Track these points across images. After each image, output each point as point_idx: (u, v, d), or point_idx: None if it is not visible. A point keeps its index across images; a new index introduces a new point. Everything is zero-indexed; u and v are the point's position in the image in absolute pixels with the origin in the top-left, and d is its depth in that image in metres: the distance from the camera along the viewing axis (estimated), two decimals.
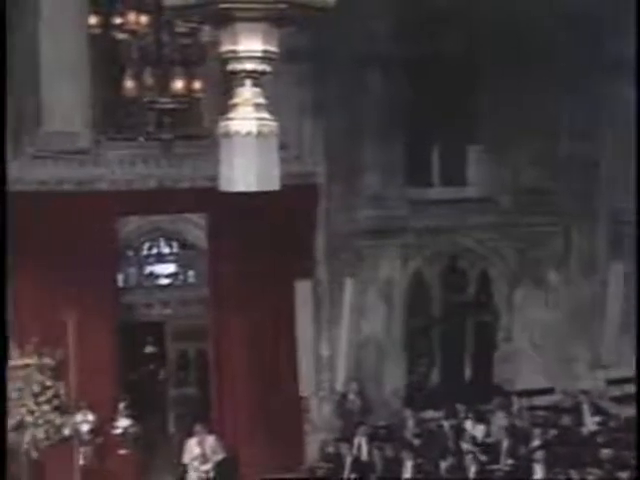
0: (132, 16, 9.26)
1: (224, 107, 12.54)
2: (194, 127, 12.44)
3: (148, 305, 13.52)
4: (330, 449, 12.47)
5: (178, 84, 9.57)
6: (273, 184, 4.37)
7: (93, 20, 10.22)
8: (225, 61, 4.48)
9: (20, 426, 11.99)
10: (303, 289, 12.82)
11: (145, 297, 13.43)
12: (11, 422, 11.95)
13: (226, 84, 12.09)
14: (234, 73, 4.42)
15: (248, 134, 4.29)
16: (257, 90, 4.39)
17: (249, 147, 4.29)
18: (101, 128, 12.46)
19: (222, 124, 4.40)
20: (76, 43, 11.96)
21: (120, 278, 13.04)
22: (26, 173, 12.00)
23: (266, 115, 4.37)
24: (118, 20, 9.55)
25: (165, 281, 13.58)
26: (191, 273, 13.54)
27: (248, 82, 4.38)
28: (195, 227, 12.90)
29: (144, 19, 9.26)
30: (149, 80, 9.68)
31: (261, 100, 4.38)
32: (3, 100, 10.97)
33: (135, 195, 12.08)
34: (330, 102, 12.56)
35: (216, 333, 12.91)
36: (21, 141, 12.17)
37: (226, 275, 12.58)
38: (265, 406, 12.66)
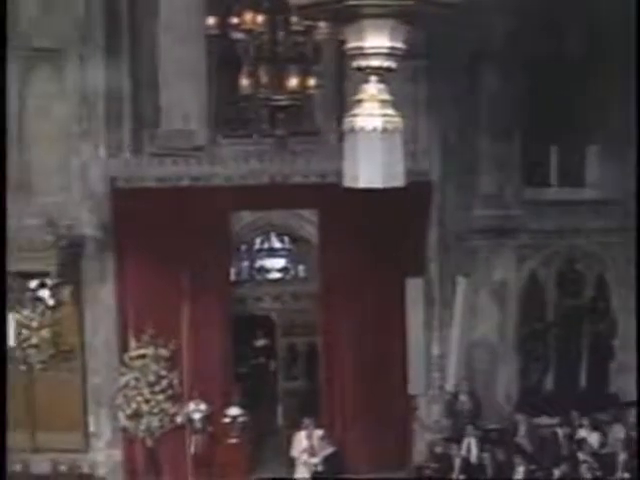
0: (249, 16, 9.44)
1: (337, 104, 12.68)
2: (307, 124, 12.61)
3: (259, 299, 13.75)
4: (438, 449, 12.38)
5: (293, 81, 9.71)
6: (397, 181, 4.37)
7: (211, 21, 10.47)
8: (351, 58, 4.50)
9: (136, 414, 12.43)
10: (414, 287, 12.75)
11: (256, 291, 13.67)
12: (127, 411, 12.43)
13: (339, 81, 12.20)
14: (360, 69, 4.44)
15: (373, 130, 4.29)
16: (382, 86, 4.40)
17: (374, 143, 4.29)
18: (217, 126, 12.75)
19: (347, 120, 4.42)
20: (194, 43, 12.28)
21: (232, 272, 13.28)
22: (145, 170, 12.41)
23: (391, 111, 4.37)
24: (235, 20, 9.74)
25: (276, 275, 13.79)
26: (301, 268, 13.71)
27: (373, 78, 4.39)
28: (307, 222, 13.02)
29: (260, 18, 9.42)
30: (264, 78, 9.86)
31: (386, 96, 4.39)
32: (3, 100, 11.31)
33: (249, 191, 12.30)
34: (445, 99, 12.43)
35: (326, 328, 13.01)
36: (140, 140, 12.60)
37: (337, 270, 12.64)
38: (373, 402, 12.66)
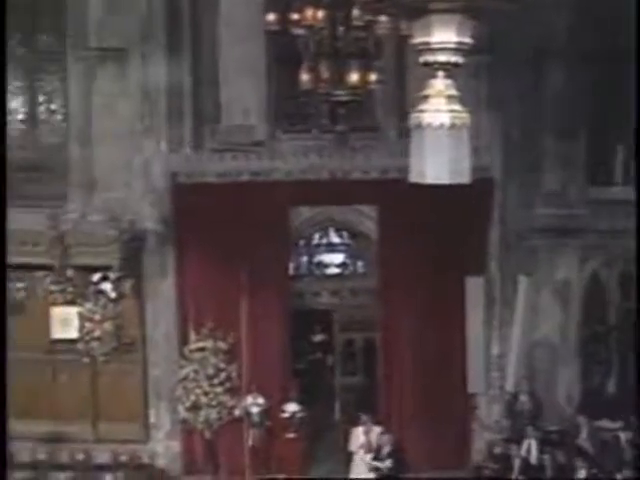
0: (309, 12, 9.46)
1: (397, 100, 12.58)
2: (367, 119, 12.58)
3: (317, 294, 13.79)
4: (498, 449, 12.23)
5: (353, 77, 9.70)
6: (464, 177, 4.34)
7: (271, 17, 10.52)
8: (417, 53, 4.48)
9: (195, 407, 12.57)
10: (475, 285, 12.62)
11: (314, 286, 13.71)
12: (186, 403, 12.58)
13: (400, 77, 12.12)
14: (426, 65, 4.41)
15: (440, 126, 4.27)
16: (449, 82, 4.38)
17: (441, 139, 4.27)
18: (276, 121, 12.81)
19: (414, 116, 4.40)
20: (254, 40, 12.36)
21: (291, 266, 13.34)
22: (205, 166, 12.53)
23: (458, 107, 4.34)
24: (295, 16, 9.78)
25: (334, 270, 13.80)
26: (360, 263, 13.69)
27: (440, 74, 4.37)
28: (366, 218, 12.99)
29: (321, 14, 9.44)
30: (325, 73, 9.87)
31: (454, 92, 4.36)
32: (3, 98, 11.42)
33: (308, 186, 12.33)
34: (507, 96, 12.26)
35: (385, 324, 12.97)
36: (201, 135, 12.73)
37: (396, 266, 12.59)
38: (432, 400, 12.57)
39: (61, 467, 12.78)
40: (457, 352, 12.70)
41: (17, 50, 13.14)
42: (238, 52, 12.53)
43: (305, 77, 9.99)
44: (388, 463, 11.95)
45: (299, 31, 9.88)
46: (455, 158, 4.28)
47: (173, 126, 12.60)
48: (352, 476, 12.35)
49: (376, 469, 11.96)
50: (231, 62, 12.62)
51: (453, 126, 4.29)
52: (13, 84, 13.20)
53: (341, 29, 9.65)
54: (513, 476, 11.63)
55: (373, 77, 9.99)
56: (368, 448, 12.18)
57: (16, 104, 13.25)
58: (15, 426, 13.00)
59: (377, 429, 12.27)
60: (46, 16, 13.06)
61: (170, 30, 12.48)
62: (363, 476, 12.14)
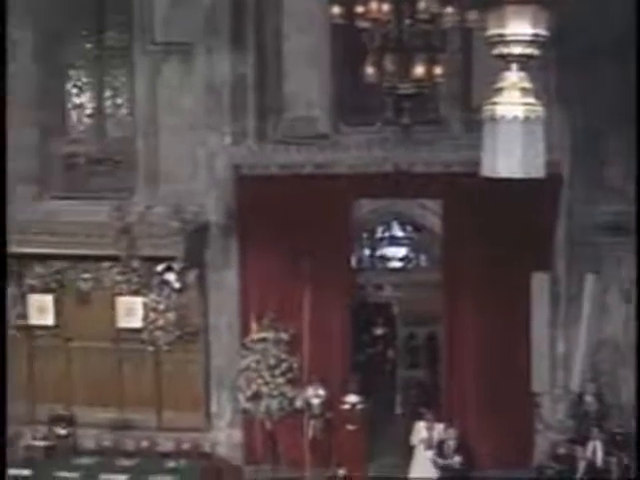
0: (374, 5, 9.44)
1: (462, 94, 12.43)
2: (431, 113, 12.48)
3: (379, 287, 13.77)
4: (562, 450, 12.00)
5: (419, 70, 9.64)
6: (538, 172, 4.29)
7: (336, 10, 10.52)
8: (491, 45, 4.43)
9: (256, 396, 12.68)
10: (540, 282, 12.37)
11: (377, 279, 13.69)
12: (248, 392, 12.71)
13: (466, 70, 11.96)
14: (500, 57, 4.37)
15: (514, 119, 4.23)
16: (523, 74, 4.34)
17: (514, 133, 4.23)
18: (340, 114, 12.80)
19: (486, 108, 4.36)
20: (318, 32, 12.37)
21: (353, 259, 13.31)
22: (269, 158, 12.60)
23: (533, 100, 4.29)
24: (360, 9, 9.76)
25: (397, 264, 13.76)
26: (423, 257, 13.62)
27: (514, 66, 4.33)
28: (430, 212, 12.89)
29: (386, 7, 9.41)
30: (390, 66, 9.84)
31: (528, 84, 4.32)
32: (3, 95, 11.46)
33: (371, 179, 12.27)
34: (573, 89, 12.00)
35: (448, 319, 12.83)
36: (265, 128, 12.81)
37: (460, 261, 12.45)
38: (494, 397, 12.39)
39: (126, 454, 13.02)
40: (521, 349, 12.47)
41: (85, 47, 13.42)
42: (302, 45, 12.55)
43: (370, 70, 9.97)
44: (455, 459, 11.90)
45: (364, 24, 9.87)
46: (529, 152, 4.24)
47: (237, 119, 12.69)
48: (412, 471, 12.30)
49: (442, 466, 11.89)
50: (295, 55, 12.64)
51: (527, 119, 4.25)
52: (81, 80, 13.49)
53: (407, 22, 9.60)
54: (578, 477, 11.42)
55: (438, 70, 9.92)
56: (429, 444, 12.12)
57: (84, 99, 13.53)
58: (81, 413, 13.40)
59: (440, 425, 12.17)
60: (113, 13, 13.29)
61: (234, 23, 12.57)
62: (424, 471, 12.08)
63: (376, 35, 9.81)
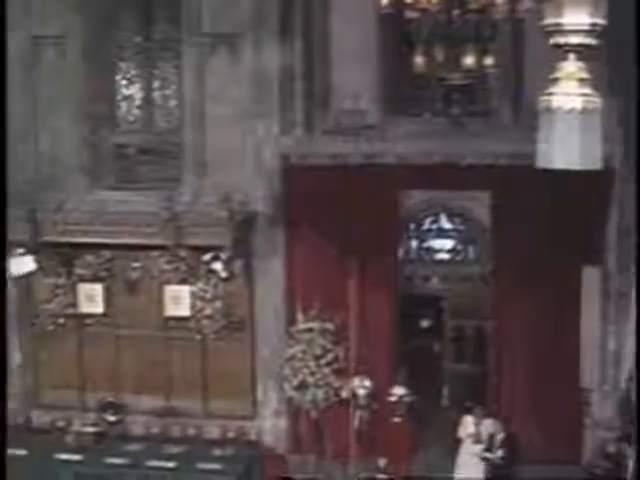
0: None
1: (512, 84, 12.22)
2: (481, 104, 12.34)
3: (426, 279, 13.71)
4: (611, 448, 11.74)
5: (469, 60, 9.55)
6: (595, 164, 4.22)
7: (385, 0, 10.45)
8: (548, 34, 4.35)
9: (302, 386, 12.73)
10: (591, 276, 12.15)
11: (424, 270, 13.63)
12: (294, 382, 12.75)
13: (516, 61, 11.75)
14: (557, 46, 4.29)
15: (571, 110, 4.15)
16: (581, 64, 4.26)
17: (572, 124, 4.15)
18: (388, 105, 12.72)
19: (543, 99, 4.29)
20: (366, 23, 12.28)
21: (400, 250, 13.24)
22: (316, 148, 12.59)
23: (590, 91, 4.20)
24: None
25: (445, 256, 13.67)
26: (471, 249, 13.51)
27: (572, 56, 4.25)
28: (479, 204, 12.74)
29: None
30: (439, 57, 9.75)
31: (585, 75, 4.24)
32: (3, 94, 11.44)
33: (419, 170, 12.14)
34: (625, 81, 11.73)
35: (496, 312, 12.67)
36: (312, 118, 12.78)
37: (510, 254, 12.23)
38: (543, 393, 12.23)
39: (173, 441, 13.17)
40: (571, 344, 12.25)
41: (134, 40, 13.54)
42: (350, 35, 12.46)
43: (419, 60, 9.90)
44: (499, 453, 11.80)
45: (413, 14, 9.79)
46: (587, 144, 4.16)
47: (284, 109, 12.67)
48: (458, 465, 12.20)
49: (489, 461, 11.80)
50: (343, 45, 12.56)
51: (584, 110, 4.17)
52: (130, 72, 13.63)
53: (456, 12, 9.50)
54: (628, 477, 11.21)
55: (489, 61, 9.82)
56: (477, 438, 12.02)
57: (133, 91, 13.66)
58: (130, 400, 13.58)
59: (488, 420, 12.06)
60: (161, 6, 13.38)
61: (282, 14, 12.54)
62: (470, 466, 12.00)
63: (425, 25, 9.73)
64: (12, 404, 13.89)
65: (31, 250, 12.86)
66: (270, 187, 12.78)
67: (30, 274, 13.17)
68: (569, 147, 4.15)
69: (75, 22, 13.15)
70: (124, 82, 13.63)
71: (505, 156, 11.48)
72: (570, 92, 4.18)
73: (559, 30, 4.22)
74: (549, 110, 4.21)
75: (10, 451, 12.56)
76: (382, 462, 11.66)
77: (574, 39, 4.19)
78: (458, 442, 12.27)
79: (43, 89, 13.38)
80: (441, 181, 12.23)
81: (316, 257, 12.72)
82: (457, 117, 10.26)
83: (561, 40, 4.23)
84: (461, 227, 13.52)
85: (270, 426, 13.26)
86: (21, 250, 12.81)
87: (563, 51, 4.26)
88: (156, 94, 13.59)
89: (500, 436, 11.97)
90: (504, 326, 12.59)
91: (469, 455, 12.10)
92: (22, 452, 12.57)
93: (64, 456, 12.51)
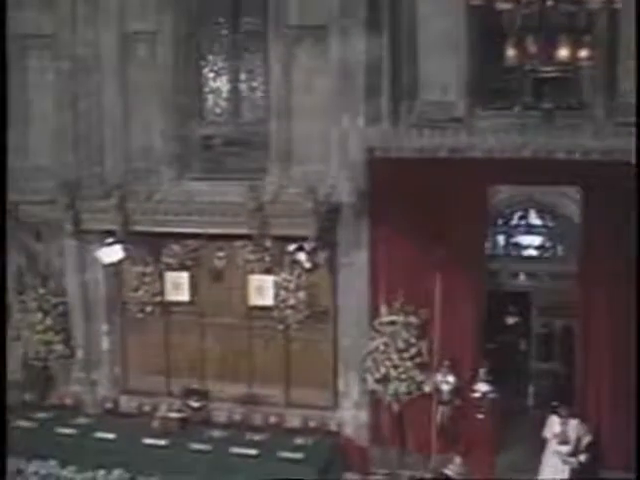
0: None
1: (607, 77, 11.83)
2: (572, 97, 11.98)
3: (514, 275, 13.44)
4: None
5: (563, 52, 9.30)
6: None
7: None
8: None
9: (384, 379, 12.71)
10: None
11: (511, 267, 13.35)
12: (376, 374, 12.74)
13: (612, 53, 11.35)
14: None
15: None
16: None
17: None
18: (476, 98, 12.49)
19: None
20: (455, 14, 12.09)
21: (487, 246, 13.01)
22: (402, 141, 12.47)
23: None
24: None
25: (533, 252, 13.36)
26: (560, 247, 13.17)
27: None
28: (569, 200, 12.38)
29: None
30: (532, 48, 9.52)
31: None
32: (4, 92, 11.28)
33: (508, 164, 11.88)
34: None
35: (584, 311, 12.31)
36: (398, 111, 12.66)
37: (600, 252, 11.89)
38: (629, 395, 11.81)
39: (255, 429, 13.35)
40: None
41: (221, 32, 13.65)
42: (438, 27, 12.27)
43: (511, 52, 9.69)
44: (582, 458, 11.55)
45: (505, 5, 9.57)
46: None
47: (370, 101, 12.60)
48: (543, 465, 12.01)
49: (574, 463, 11.56)
50: (430, 37, 12.37)
51: None
52: (217, 65, 13.76)
53: (550, 3, 9.25)
54: None
55: (583, 53, 9.54)
56: (563, 439, 11.79)
57: (220, 83, 13.80)
58: (213, 387, 13.82)
59: (574, 421, 11.83)
60: None
61: (369, 5, 12.45)
62: (555, 466, 11.78)
63: (517, 16, 9.51)
64: (102, 390, 14.39)
65: (120, 239, 13.17)
66: (355, 179, 12.75)
67: (119, 262, 13.50)
68: None
69: (166, 18, 13.39)
70: (211, 75, 13.79)
71: (597, 151, 11.14)
72: None
73: None
74: None
75: (100, 434, 13.08)
76: (457, 460, 11.55)
77: None
78: (543, 442, 12.06)
79: (135, 84, 13.65)
80: (530, 176, 11.94)
81: (401, 250, 12.64)
82: (548, 111, 9.97)
83: None
84: (550, 223, 13.18)
85: (351, 417, 13.30)
86: (110, 239, 13.14)
87: None
88: (242, 86, 13.71)
89: (586, 439, 11.72)
90: (591, 326, 12.25)
91: (554, 455, 11.88)
92: (110, 435, 12.96)
93: (149, 440, 12.83)
